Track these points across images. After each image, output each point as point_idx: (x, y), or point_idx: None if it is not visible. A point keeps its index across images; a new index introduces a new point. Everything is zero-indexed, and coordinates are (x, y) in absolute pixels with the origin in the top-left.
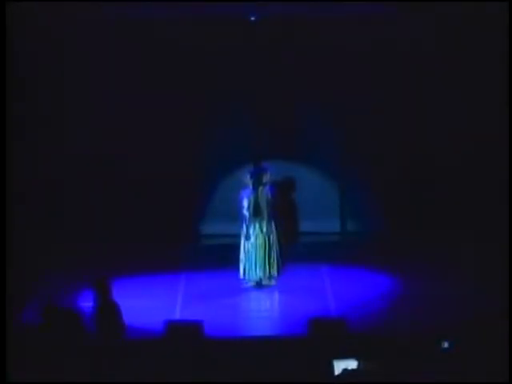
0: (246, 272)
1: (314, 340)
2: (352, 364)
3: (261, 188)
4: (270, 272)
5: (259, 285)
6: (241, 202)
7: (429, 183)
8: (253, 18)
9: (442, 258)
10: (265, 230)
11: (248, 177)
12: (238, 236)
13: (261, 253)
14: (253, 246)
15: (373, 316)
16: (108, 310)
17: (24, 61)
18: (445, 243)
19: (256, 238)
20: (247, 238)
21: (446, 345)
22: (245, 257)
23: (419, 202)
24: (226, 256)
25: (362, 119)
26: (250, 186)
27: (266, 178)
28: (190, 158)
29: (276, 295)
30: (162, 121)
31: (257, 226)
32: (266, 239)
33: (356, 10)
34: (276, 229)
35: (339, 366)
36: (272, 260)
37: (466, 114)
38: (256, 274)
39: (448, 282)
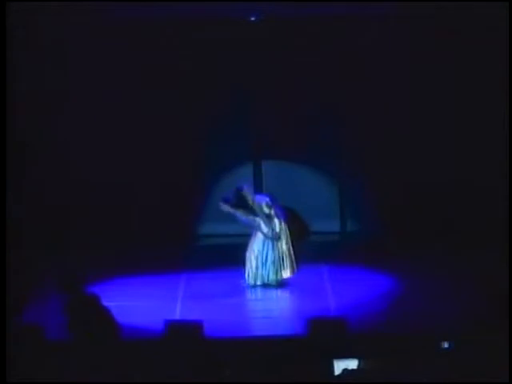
0: (259, 274)
1: (314, 340)
2: (352, 364)
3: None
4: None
5: (266, 286)
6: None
7: (429, 183)
8: (253, 18)
9: (442, 258)
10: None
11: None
12: (238, 236)
13: (273, 255)
14: (267, 249)
15: (373, 316)
16: (82, 309)
17: (24, 61)
18: (445, 243)
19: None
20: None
21: (445, 345)
22: (256, 260)
23: (420, 201)
24: (226, 256)
25: (363, 119)
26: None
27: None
28: (190, 157)
29: (276, 295)
30: (161, 120)
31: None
32: (279, 241)
33: (356, 10)
34: (287, 230)
35: (339, 366)
36: (286, 262)
37: (466, 113)
38: (270, 275)
39: (448, 282)
